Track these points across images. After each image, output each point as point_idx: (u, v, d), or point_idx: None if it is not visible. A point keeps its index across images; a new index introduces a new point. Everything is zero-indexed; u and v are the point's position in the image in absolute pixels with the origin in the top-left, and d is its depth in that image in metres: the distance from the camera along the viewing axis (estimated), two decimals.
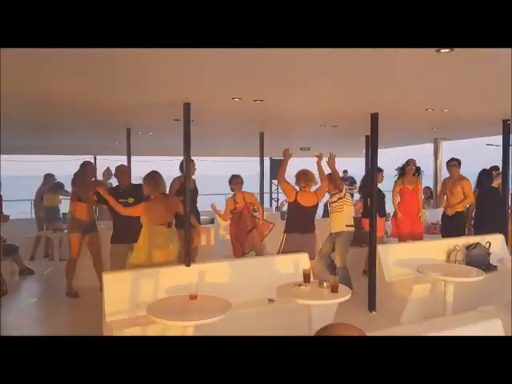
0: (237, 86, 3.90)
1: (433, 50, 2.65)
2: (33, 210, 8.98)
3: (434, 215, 9.04)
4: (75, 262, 6.06)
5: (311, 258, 5.15)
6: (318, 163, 5.60)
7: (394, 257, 5.36)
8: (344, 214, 5.82)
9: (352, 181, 12.77)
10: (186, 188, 4.55)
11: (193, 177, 6.22)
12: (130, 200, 5.23)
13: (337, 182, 5.75)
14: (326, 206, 8.90)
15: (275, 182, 13.38)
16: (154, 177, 4.70)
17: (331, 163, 5.65)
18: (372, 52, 2.78)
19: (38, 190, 8.82)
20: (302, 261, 4.81)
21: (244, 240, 6.16)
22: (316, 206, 5.38)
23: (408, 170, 6.81)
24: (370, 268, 5.39)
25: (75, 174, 6.96)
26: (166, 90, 4.10)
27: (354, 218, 8.18)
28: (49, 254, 8.41)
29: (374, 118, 5.12)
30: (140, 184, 5.29)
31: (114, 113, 5.78)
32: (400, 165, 6.97)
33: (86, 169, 6.25)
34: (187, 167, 4.52)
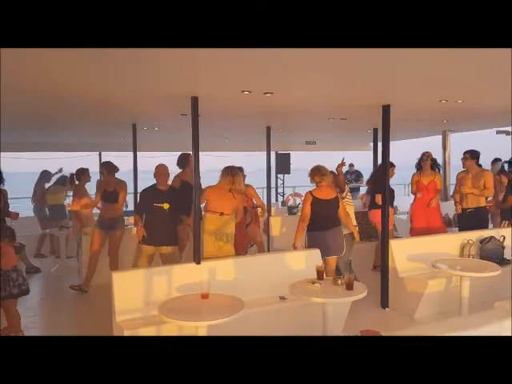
0: (247, 78, 3.79)
1: None
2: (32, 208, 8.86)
3: (442, 208, 8.91)
4: (97, 257, 6.03)
5: (337, 253, 5.11)
6: (340, 171, 5.67)
7: (406, 251, 5.25)
8: None
9: (358, 175, 12.66)
10: (196, 183, 4.46)
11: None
12: (166, 206, 5.06)
13: (341, 182, 5.67)
14: None
15: (281, 176, 13.30)
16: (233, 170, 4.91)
17: (340, 170, 5.69)
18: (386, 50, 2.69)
19: (34, 187, 8.72)
20: (314, 257, 4.71)
21: (244, 234, 6.01)
22: (336, 200, 5.14)
23: (424, 164, 6.64)
24: (383, 263, 5.29)
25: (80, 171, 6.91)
26: (173, 83, 3.99)
27: (360, 212, 8.18)
28: (55, 251, 8.36)
29: (386, 110, 5.00)
30: (176, 189, 5.22)
31: (119, 108, 5.68)
32: (416, 159, 6.79)
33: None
34: (196, 162, 4.42)
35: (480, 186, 6.19)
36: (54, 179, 8.62)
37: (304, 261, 4.68)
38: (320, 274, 4.02)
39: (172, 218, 5.19)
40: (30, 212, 8.83)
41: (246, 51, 2.85)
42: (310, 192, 5.10)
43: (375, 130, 7.75)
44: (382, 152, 5.16)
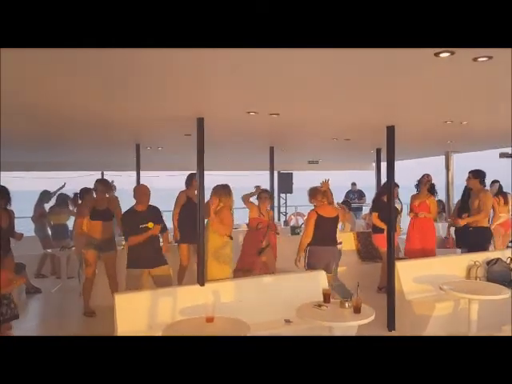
0: (253, 99, 3.80)
1: (466, 58, 2.54)
2: (34, 227, 8.81)
3: (442, 229, 8.86)
4: (91, 281, 5.89)
5: (330, 271, 5.11)
6: (326, 188, 5.57)
7: (412, 273, 5.19)
8: None
9: (361, 194, 12.63)
10: (199, 201, 4.43)
11: (196, 191, 6.19)
12: (150, 225, 4.96)
13: (330, 198, 5.64)
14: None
15: (283, 195, 13.28)
16: (226, 187, 4.92)
17: (325, 188, 5.57)
18: (390, 63, 2.71)
19: (35, 206, 8.68)
20: (320, 279, 4.65)
21: (255, 258, 5.94)
22: (337, 219, 5.37)
23: (423, 187, 6.66)
24: (389, 285, 5.21)
25: (83, 190, 6.87)
26: (179, 104, 4.01)
27: (364, 232, 8.13)
28: (56, 271, 8.28)
29: (390, 130, 5.00)
30: (157, 207, 5.17)
31: (123, 128, 5.69)
32: (416, 180, 6.81)
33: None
34: (201, 182, 4.41)
35: (474, 206, 6.19)
36: (55, 196, 8.58)
37: (309, 283, 4.63)
38: (327, 297, 3.95)
39: (158, 238, 5.14)
40: (31, 231, 8.78)
41: (253, 71, 2.86)
42: (315, 210, 5.21)
43: (378, 150, 7.76)
44: (387, 173, 5.14)
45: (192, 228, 5.50)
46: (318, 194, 5.22)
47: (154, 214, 5.09)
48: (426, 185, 6.63)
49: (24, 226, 9.09)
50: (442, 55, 2.45)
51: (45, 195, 8.65)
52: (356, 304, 3.69)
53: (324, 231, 5.18)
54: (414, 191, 6.82)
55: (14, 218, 5.54)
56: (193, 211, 5.99)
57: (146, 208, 5.06)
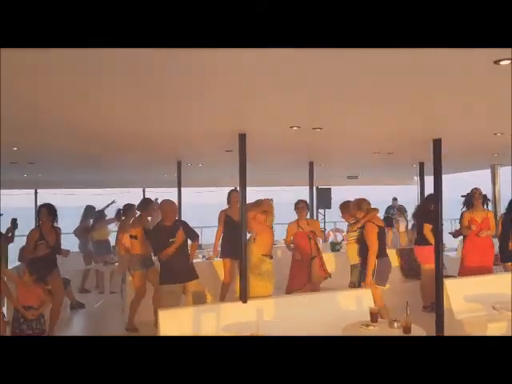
0: (297, 113, 3.76)
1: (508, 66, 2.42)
2: (77, 243, 9.04)
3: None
4: (141, 298, 5.94)
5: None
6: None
7: (462, 292, 4.98)
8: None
9: (402, 210, 12.31)
10: (241, 218, 4.40)
11: (235, 208, 6.22)
12: (179, 240, 5.00)
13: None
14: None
15: (321, 211, 13.13)
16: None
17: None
18: (443, 74, 2.62)
19: (80, 221, 8.90)
20: (365, 297, 4.52)
21: (305, 269, 5.83)
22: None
23: (476, 201, 6.36)
24: (438, 304, 5.00)
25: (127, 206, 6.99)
26: (221, 120, 4.01)
27: (406, 248, 7.89)
28: (99, 286, 8.42)
29: (437, 143, 4.85)
30: (184, 221, 5.23)
31: (164, 145, 5.76)
32: (465, 192, 6.54)
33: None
34: (243, 198, 4.38)
35: None
36: (105, 211, 8.78)
37: (355, 301, 4.50)
38: (374, 317, 3.82)
39: (188, 252, 5.19)
40: (74, 247, 9.00)
41: (296, 84, 2.83)
42: (373, 222, 5.17)
43: (421, 164, 7.59)
44: (434, 188, 4.97)
45: (233, 245, 5.51)
46: (363, 203, 5.24)
47: (182, 227, 5.13)
48: (479, 199, 6.36)
49: (67, 241, 9.34)
50: (502, 63, 2.34)
51: (89, 211, 8.88)
52: (406, 324, 3.55)
53: (383, 241, 5.27)
54: (453, 205, 6.55)
55: (61, 235, 5.69)
56: (233, 229, 6.05)
57: (173, 223, 5.14)
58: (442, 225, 6.38)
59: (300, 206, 6.09)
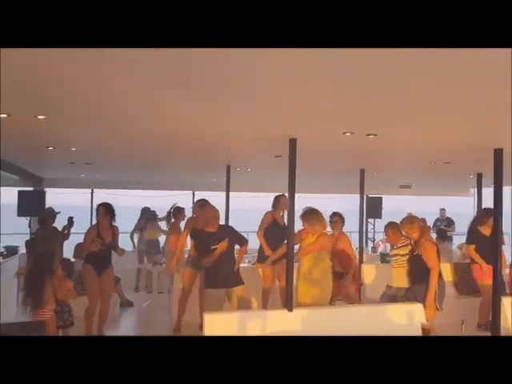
0: (351, 118, 3.66)
1: None
2: (131, 243, 9.30)
3: None
4: (187, 297, 6.01)
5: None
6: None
7: None
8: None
9: (449, 222, 11.77)
10: (290, 224, 4.34)
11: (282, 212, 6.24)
12: (223, 245, 4.94)
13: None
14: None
15: (371, 220, 12.81)
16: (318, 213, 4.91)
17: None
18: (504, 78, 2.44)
19: (136, 222, 9.15)
20: (415, 312, 4.33)
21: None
22: None
23: None
24: (494, 323, 4.73)
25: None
26: (272, 124, 3.97)
27: (461, 263, 7.54)
28: (147, 285, 8.62)
29: (498, 153, 4.59)
30: (229, 226, 5.20)
31: (216, 147, 5.79)
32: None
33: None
34: (291, 204, 4.32)
35: None
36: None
37: (404, 316, 4.32)
38: (426, 333, 3.66)
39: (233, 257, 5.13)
40: (125, 246, 9.25)
41: (351, 89, 2.74)
42: (431, 241, 5.08)
43: (479, 175, 7.26)
44: (494, 200, 4.70)
45: (274, 249, 5.42)
46: (415, 220, 5.02)
47: (227, 233, 5.09)
48: None
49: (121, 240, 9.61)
50: None
51: (145, 212, 9.14)
52: None
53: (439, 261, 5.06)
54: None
55: (118, 234, 5.86)
56: (278, 232, 5.99)
57: (216, 229, 5.06)
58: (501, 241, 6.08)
59: (334, 219, 5.95)
